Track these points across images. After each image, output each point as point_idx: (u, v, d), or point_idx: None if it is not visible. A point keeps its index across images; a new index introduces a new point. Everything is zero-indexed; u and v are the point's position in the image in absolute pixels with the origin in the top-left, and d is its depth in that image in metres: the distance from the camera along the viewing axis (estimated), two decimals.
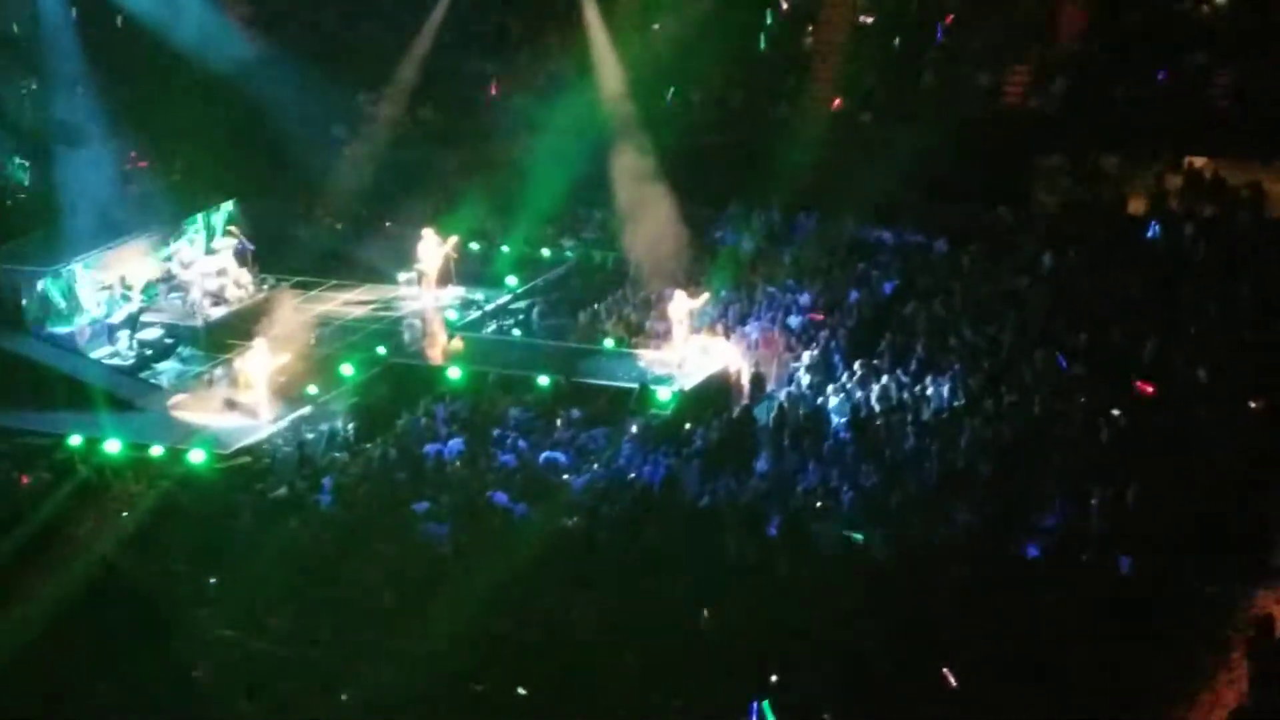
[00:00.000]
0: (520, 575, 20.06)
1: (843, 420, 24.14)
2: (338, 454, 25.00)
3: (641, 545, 20.82)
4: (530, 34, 36.82)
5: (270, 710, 18.75)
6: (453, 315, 30.24)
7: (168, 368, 29.33)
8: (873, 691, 17.68)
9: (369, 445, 25.18)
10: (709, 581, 19.71)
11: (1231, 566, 19.61)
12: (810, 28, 35.66)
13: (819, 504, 21.58)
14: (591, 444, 24.30)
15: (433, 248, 30.75)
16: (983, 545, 20.32)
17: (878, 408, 24.27)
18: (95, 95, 31.81)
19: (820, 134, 32.34)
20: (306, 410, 26.68)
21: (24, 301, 29.16)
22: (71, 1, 32.47)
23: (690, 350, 27.27)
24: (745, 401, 25.89)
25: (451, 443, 24.31)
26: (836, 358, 26.12)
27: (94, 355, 29.17)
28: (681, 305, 27.44)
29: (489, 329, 30.20)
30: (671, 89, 34.52)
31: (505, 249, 32.46)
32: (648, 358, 27.64)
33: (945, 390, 24.28)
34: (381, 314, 30.75)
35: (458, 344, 28.85)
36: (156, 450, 25.22)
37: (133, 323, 29.64)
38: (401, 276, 31.42)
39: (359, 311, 30.91)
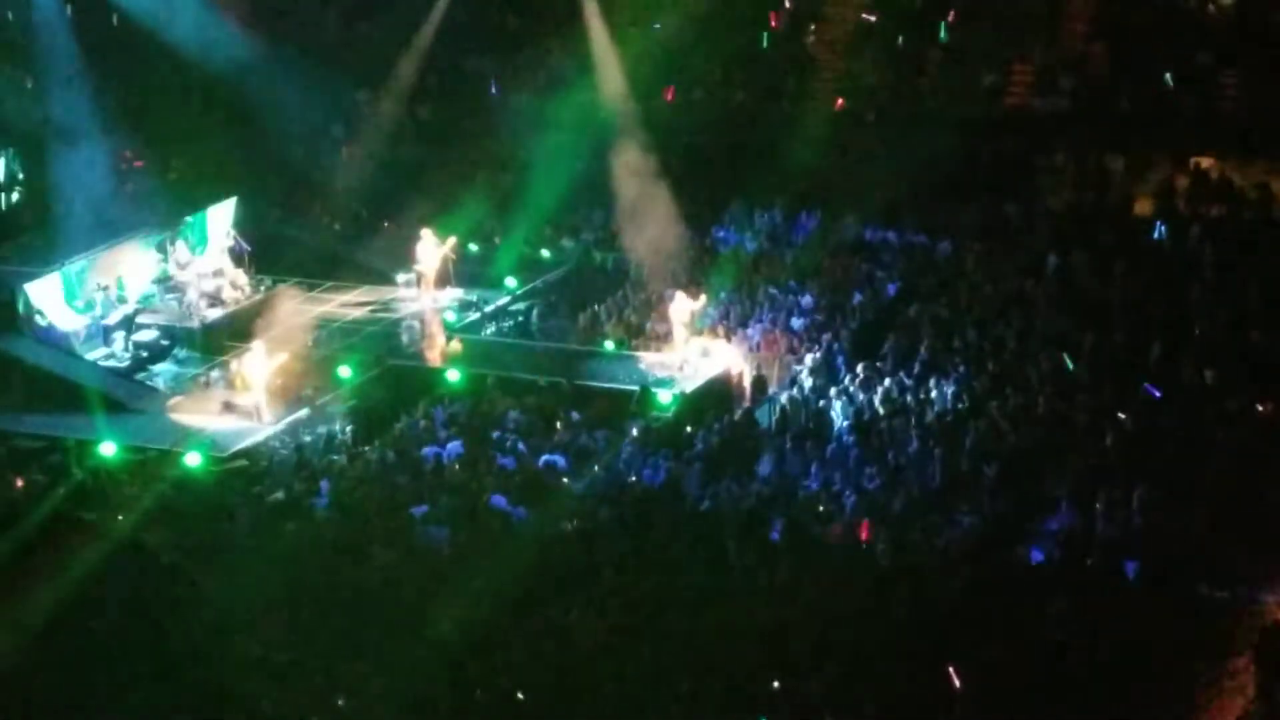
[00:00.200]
0: (520, 579, 19.93)
1: (846, 423, 24.01)
2: (336, 457, 24.86)
3: (642, 549, 20.67)
4: (530, 33, 36.64)
5: (268, 716, 18.60)
6: (451, 317, 30.07)
7: (163, 369, 29.13)
8: (876, 696, 17.55)
9: (367, 448, 25.07)
10: (710, 586, 19.54)
11: (1238, 572, 19.47)
12: (813, 26, 35.48)
13: (821, 508, 21.41)
14: (592, 446, 24.13)
15: (431, 248, 30.57)
16: (987, 549, 20.22)
17: (881, 410, 24.13)
18: (91, 94, 31.65)
19: (823, 134, 32.14)
20: (304, 413, 26.52)
21: (18, 302, 28.94)
22: None
23: (691, 352, 27.10)
24: (747, 404, 25.81)
25: (450, 445, 24.21)
26: (839, 359, 26.00)
27: (89, 356, 28.96)
28: (682, 307, 27.28)
29: (488, 331, 30.05)
30: (672, 88, 34.35)
31: (501, 247, 32.27)
32: (648, 360, 27.49)
33: (949, 392, 24.17)
34: (380, 315, 30.57)
35: (456, 346, 28.70)
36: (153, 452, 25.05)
37: (128, 324, 29.43)
38: (400, 278, 31.24)
39: (357, 313, 30.71)
